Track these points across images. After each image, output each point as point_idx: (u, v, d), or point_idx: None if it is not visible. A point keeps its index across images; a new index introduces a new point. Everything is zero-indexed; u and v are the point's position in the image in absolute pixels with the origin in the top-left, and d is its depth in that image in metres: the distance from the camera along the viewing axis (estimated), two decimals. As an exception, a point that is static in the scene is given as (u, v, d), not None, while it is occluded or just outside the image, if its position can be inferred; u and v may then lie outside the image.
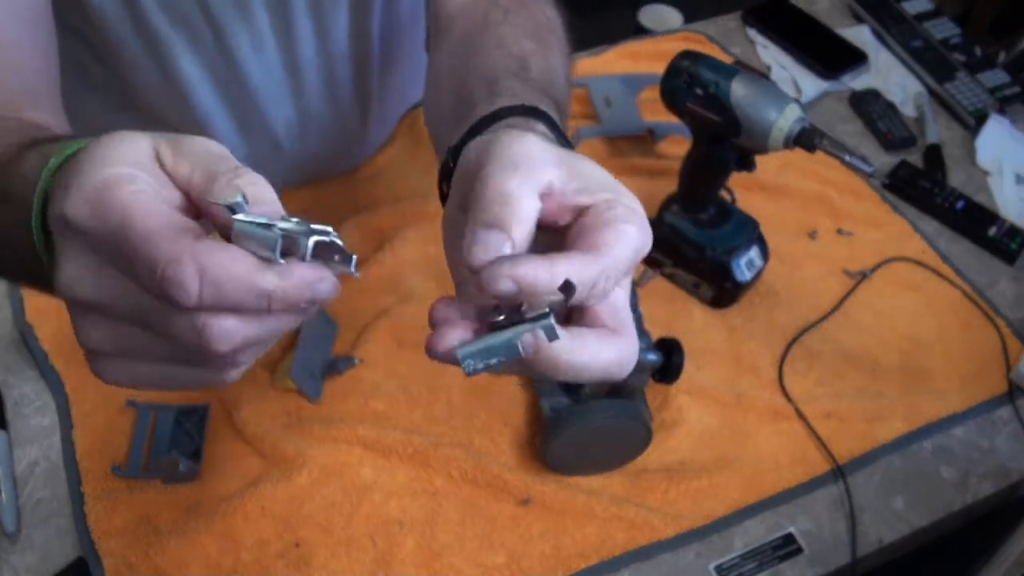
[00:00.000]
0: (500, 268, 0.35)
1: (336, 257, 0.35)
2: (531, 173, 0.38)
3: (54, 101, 0.62)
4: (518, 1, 0.66)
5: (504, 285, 0.35)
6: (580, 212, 0.39)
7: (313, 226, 0.34)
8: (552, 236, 0.40)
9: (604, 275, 0.37)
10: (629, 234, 0.38)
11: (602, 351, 0.38)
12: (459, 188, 0.45)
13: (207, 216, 0.36)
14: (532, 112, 0.48)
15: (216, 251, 0.33)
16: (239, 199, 0.34)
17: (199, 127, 0.84)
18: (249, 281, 0.33)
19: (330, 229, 0.35)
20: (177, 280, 0.32)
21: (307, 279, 0.34)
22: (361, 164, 1.00)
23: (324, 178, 0.97)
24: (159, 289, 0.33)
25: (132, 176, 0.35)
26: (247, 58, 0.79)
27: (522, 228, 0.37)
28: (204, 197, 0.35)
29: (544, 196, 0.39)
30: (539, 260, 0.36)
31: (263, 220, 0.34)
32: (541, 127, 0.48)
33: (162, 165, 0.37)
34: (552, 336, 0.35)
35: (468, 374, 0.37)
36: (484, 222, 0.37)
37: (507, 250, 0.37)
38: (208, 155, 0.37)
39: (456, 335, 0.37)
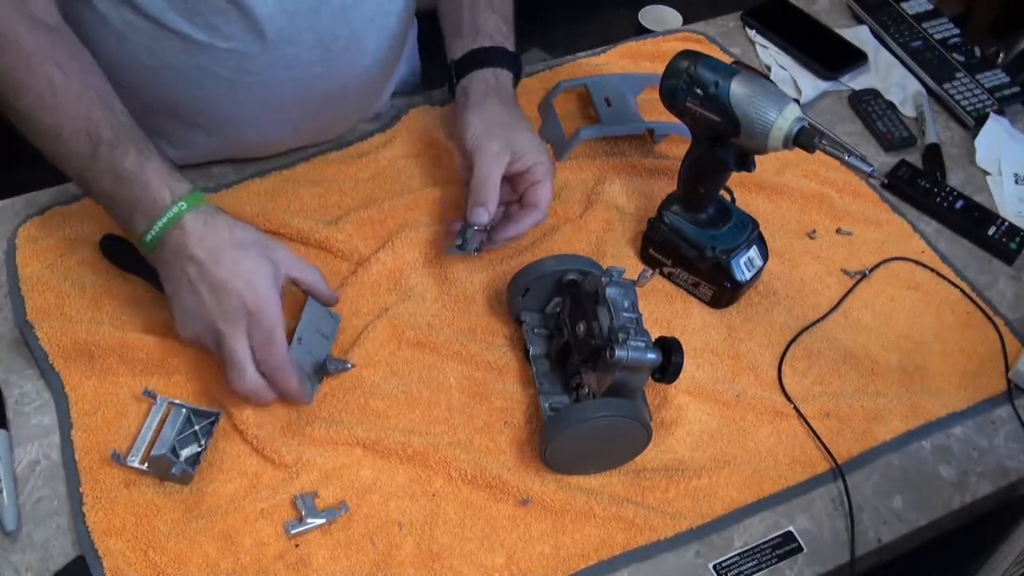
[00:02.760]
0: (503, 231, 0.87)
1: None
2: (497, 165, 0.84)
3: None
4: None
5: (502, 240, 0.88)
6: (522, 172, 0.86)
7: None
8: (510, 183, 0.88)
9: (543, 213, 0.87)
10: (547, 186, 0.87)
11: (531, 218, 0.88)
12: (454, 121, 0.91)
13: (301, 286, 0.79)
14: (499, 55, 0.90)
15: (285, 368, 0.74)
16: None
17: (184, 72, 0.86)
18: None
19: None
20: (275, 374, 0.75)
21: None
22: (362, 159, 1.00)
23: (340, 128, 1.00)
24: (268, 365, 0.74)
25: (274, 298, 0.73)
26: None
27: (493, 202, 0.84)
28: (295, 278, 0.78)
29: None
30: (512, 226, 0.87)
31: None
32: (503, 75, 0.90)
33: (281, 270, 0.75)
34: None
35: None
36: (477, 201, 0.84)
37: (485, 217, 0.83)
38: (309, 271, 0.78)
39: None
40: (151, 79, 0.86)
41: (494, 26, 0.90)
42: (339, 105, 0.96)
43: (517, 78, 0.93)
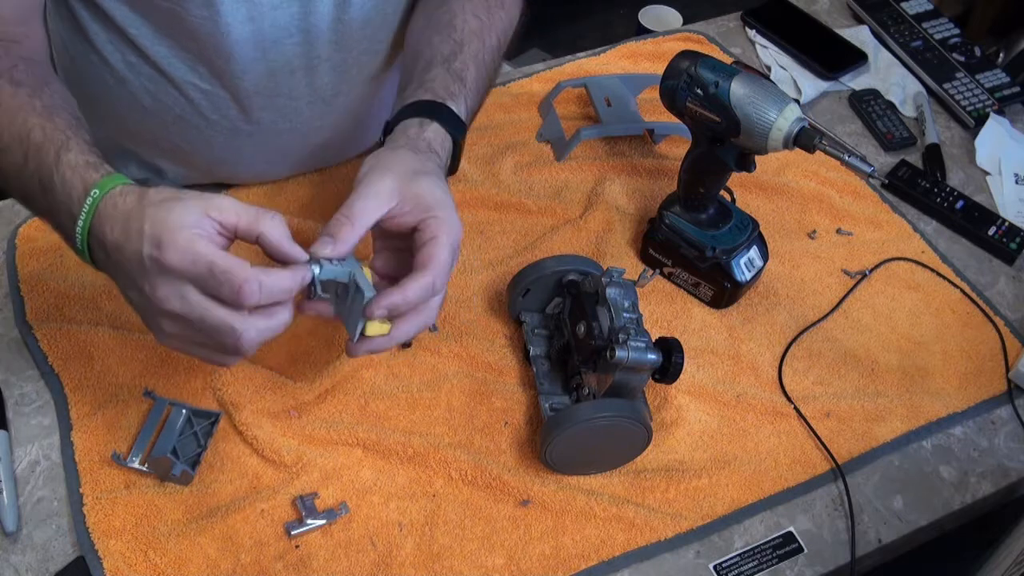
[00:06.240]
0: (383, 299, 0.64)
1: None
2: (376, 205, 0.66)
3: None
4: None
5: (380, 315, 0.65)
6: (415, 226, 0.67)
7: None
8: (404, 238, 0.69)
9: (436, 278, 0.65)
10: (441, 244, 0.66)
11: (416, 284, 0.65)
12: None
13: (262, 246, 0.61)
14: (435, 108, 0.75)
15: (267, 273, 0.59)
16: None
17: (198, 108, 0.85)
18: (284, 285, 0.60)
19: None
20: (248, 291, 0.57)
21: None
22: (364, 156, 1.00)
23: (334, 163, 0.99)
24: (235, 297, 0.57)
25: (204, 234, 0.58)
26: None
27: (348, 241, 0.64)
28: (253, 232, 0.60)
29: (386, 219, 0.66)
30: (397, 292, 0.64)
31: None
32: (432, 128, 0.74)
33: (212, 216, 0.58)
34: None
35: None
36: (328, 230, 0.65)
37: (328, 248, 0.64)
38: (239, 207, 0.60)
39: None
40: (150, 121, 0.87)
41: (442, 83, 0.77)
42: (337, 146, 0.97)
43: (456, 143, 0.76)
